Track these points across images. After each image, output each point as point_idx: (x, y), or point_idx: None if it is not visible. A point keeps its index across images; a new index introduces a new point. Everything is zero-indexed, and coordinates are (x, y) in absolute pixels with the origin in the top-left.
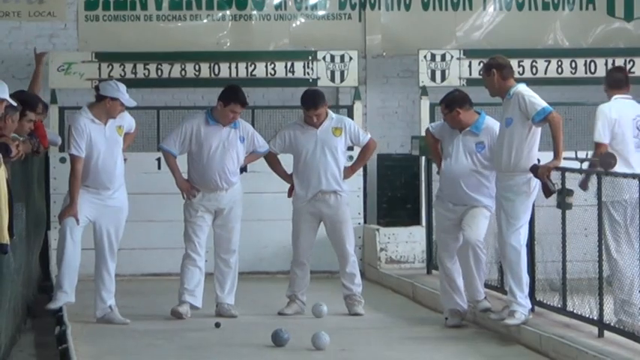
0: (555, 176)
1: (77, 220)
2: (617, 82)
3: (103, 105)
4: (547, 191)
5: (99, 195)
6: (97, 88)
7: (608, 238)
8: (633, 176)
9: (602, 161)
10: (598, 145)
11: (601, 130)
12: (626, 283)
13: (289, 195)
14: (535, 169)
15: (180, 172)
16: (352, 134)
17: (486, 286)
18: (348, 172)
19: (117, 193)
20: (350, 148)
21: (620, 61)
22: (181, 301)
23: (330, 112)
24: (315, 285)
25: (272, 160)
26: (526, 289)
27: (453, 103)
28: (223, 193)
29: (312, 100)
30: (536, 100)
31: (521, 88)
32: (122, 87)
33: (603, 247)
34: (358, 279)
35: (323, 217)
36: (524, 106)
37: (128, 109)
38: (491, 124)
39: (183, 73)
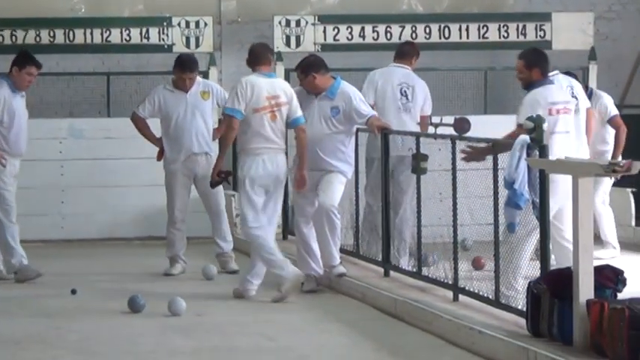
0: (410, 141)
1: None
2: (399, 53)
3: None
4: None
5: None
6: None
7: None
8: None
9: (457, 126)
10: None
11: (366, 91)
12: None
13: (158, 158)
14: None
15: None
16: (219, 97)
17: (342, 251)
18: (215, 133)
19: None
20: None
21: (473, 27)
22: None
23: (197, 77)
24: (189, 250)
25: (141, 124)
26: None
27: (309, 68)
28: (19, 158)
29: (189, 64)
30: None
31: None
32: None
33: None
34: (230, 236)
35: (196, 177)
36: None
37: None
38: (347, 89)
39: (37, 39)
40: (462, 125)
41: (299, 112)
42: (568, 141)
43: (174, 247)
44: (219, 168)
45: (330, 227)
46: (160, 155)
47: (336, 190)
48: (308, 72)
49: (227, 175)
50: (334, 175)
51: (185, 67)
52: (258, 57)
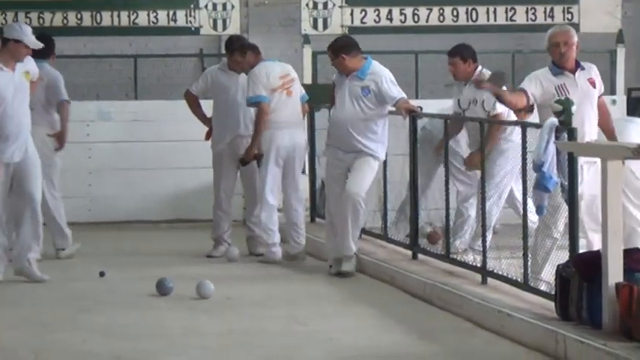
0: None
1: None
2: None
3: (7, 49)
4: None
5: None
6: (0, 31)
7: None
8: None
9: (494, 77)
10: None
11: None
12: None
13: (206, 138)
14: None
15: None
16: None
17: (370, 234)
18: None
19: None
20: None
21: (501, 10)
22: None
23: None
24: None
25: (192, 101)
26: None
27: (339, 49)
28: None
29: (240, 45)
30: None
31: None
32: (26, 29)
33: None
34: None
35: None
36: None
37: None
38: (378, 69)
39: (65, 21)
40: (496, 79)
41: (303, 90)
42: None
43: (219, 228)
44: (254, 149)
45: (353, 217)
46: (208, 135)
47: (366, 177)
48: (338, 53)
49: (260, 157)
50: (365, 161)
51: (233, 48)
52: (258, 50)
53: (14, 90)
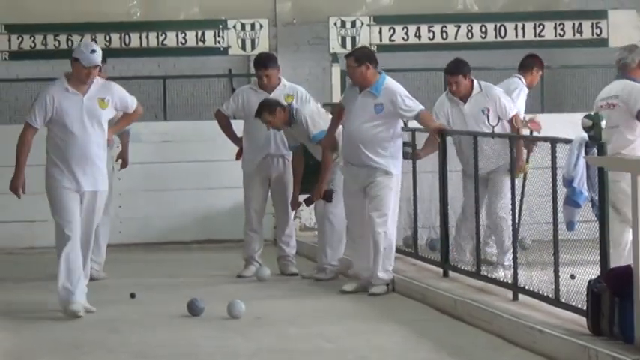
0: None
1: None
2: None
3: (73, 69)
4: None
5: None
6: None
7: None
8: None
9: None
10: None
11: None
12: None
13: (237, 158)
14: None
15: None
16: (303, 102)
17: (400, 251)
18: None
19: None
20: None
21: (529, 25)
22: None
23: (283, 79)
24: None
25: (224, 122)
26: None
27: (364, 57)
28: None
29: (263, 60)
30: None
31: None
32: (87, 47)
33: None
34: (293, 241)
35: (270, 179)
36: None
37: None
38: (391, 85)
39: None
40: None
41: None
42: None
43: (250, 248)
44: (325, 186)
45: (375, 250)
46: (239, 155)
47: (387, 203)
48: (363, 61)
49: (330, 194)
50: (379, 184)
51: (259, 64)
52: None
53: (80, 114)
